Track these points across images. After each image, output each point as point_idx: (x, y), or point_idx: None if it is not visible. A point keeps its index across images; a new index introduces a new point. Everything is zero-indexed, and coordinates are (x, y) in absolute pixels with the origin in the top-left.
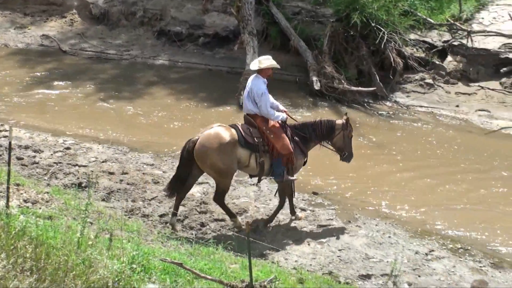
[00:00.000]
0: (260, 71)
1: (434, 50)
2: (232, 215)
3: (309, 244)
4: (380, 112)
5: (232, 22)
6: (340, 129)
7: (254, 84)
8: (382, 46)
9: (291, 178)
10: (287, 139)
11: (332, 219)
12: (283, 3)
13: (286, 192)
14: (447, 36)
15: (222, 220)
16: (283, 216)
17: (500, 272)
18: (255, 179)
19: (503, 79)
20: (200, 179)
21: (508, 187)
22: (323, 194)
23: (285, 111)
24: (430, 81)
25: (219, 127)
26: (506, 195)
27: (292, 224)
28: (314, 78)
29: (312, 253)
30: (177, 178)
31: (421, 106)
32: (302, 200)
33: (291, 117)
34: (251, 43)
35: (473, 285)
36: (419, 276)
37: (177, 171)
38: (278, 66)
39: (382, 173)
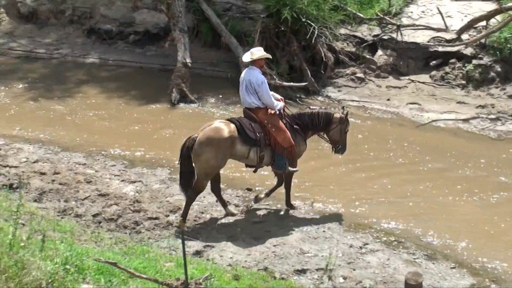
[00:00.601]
0: (253, 63)
1: (364, 44)
2: (184, 219)
3: (244, 241)
4: (312, 107)
5: (162, 19)
6: (337, 123)
7: (252, 75)
8: (313, 41)
9: (293, 169)
10: (288, 132)
11: (266, 215)
12: (213, 0)
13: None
14: (377, 31)
15: (156, 218)
16: (218, 213)
17: (433, 263)
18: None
19: (433, 72)
20: (133, 178)
21: (441, 179)
22: (257, 190)
23: (281, 99)
24: (361, 75)
25: (219, 123)
26: (439, 187)
27: (227, 221)
28: None
29: (247, 249)
30: (183, 176)
31: (352, 100)
32: (236, 196)
33: (285, 106)
34: (182, 40)
35: (407, 277)
36: (354, 270)
37: (180, 169)
38: (270, 56)
39: (315, 167)
